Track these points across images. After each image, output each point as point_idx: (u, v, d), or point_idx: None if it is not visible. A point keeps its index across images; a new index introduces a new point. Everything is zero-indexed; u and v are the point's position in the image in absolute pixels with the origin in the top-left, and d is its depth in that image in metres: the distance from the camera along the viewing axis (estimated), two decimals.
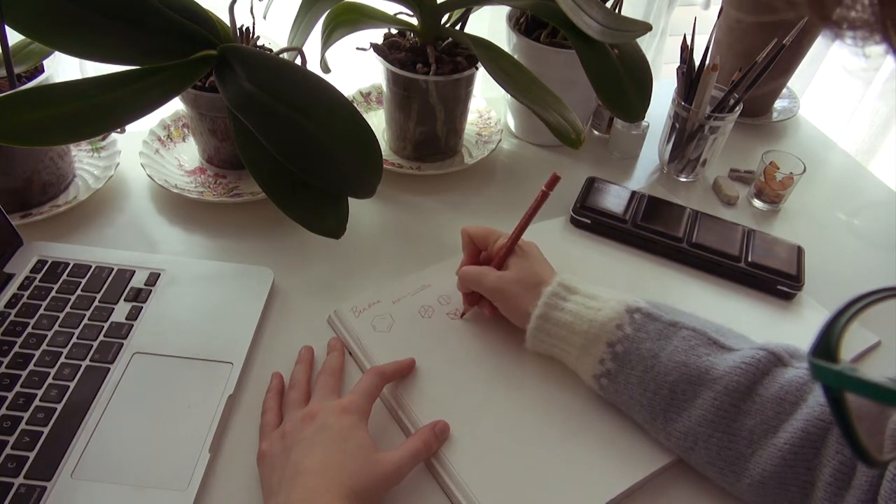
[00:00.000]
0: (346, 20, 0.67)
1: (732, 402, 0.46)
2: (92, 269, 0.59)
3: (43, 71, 0.63)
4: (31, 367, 0.51)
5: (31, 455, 0.46)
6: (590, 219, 0.71)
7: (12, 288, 0.57)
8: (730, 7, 0.85)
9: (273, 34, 0.69)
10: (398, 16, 0.71)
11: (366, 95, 0.85)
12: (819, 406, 0.45)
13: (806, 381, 0.46)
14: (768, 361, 0.47)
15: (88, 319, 0.55)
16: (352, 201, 0.61)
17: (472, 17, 0.75)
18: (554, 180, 0.56)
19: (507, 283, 0.55)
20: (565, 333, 0.52)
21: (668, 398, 0.48)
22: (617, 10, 0.74)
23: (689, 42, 0.75)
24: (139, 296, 0.58)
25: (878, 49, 0.18)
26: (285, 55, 0.63)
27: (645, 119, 0.77)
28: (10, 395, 0.49)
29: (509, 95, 0.71)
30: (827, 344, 0.23)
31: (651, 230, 0.69)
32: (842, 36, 0.18)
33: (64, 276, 0.58)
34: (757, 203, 0.79)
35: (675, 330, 0.50)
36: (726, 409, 0.46)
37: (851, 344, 0.62)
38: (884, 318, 0.65)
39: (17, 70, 0.60)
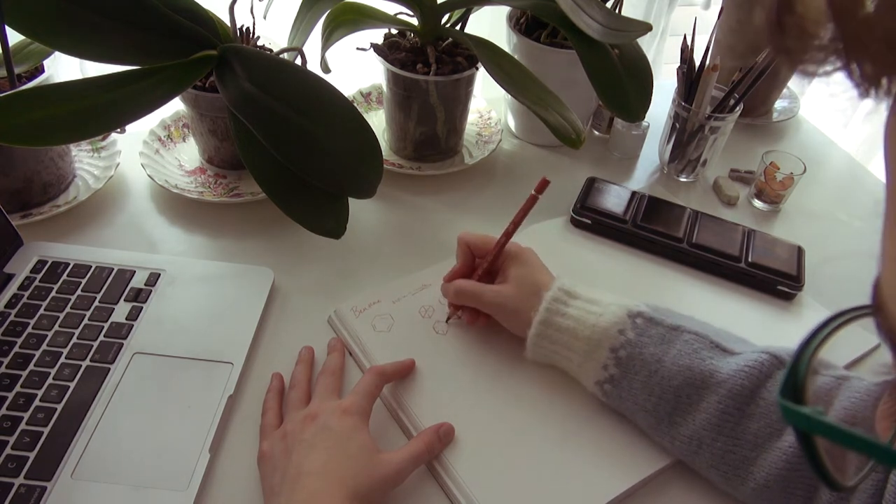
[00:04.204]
0: (346, 20, 0.67)
1: (737, 405, 0.46)
2: (92, 270, 0.59)
3: (43, 71, 0.63)
4: (31, 367, 0.51)
5: (32, 455, 0.46)
6: (590, 219, 0.71)
7: (12, 288, 0.57)
8: (730, 7, 0.85)
9: (273, 34, 0.69)
10: (398, 16, 0.71)
11: (366, 95, 0.85)
12: None
13: None
14: (771, 364, 0.47)
15: (88, 319, 0.55)
16: (352, 201, 0.61)
17: (472, 17, 0.75)
18: (544, 184, 0.54)
19: (507, 298, 0.53)
20: (568, 339, 0.51)
21: (673, 403, 0.48)
22: (617, 11, 0.74)
23: (689, 42, 0.75)
24: (139, 296, 0.58)
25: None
26: (285, 55, 0.63)
27: (645, 119, 0.77)
28: (11, 396, 0.49)
29: (509, 95, 0.71)
30: (794, 384, 0.23)
31: (651, 230, 0.69)
32: (804, 71, 0.18)
33: (64, 277, 0.58)
34: (757, 203, 0.79)
35: (677, 334, 0.50)
36: (731, 412, 0.46)
37: (853, 347, 0.62)
38: None
39: (17, 70, 0.60)
